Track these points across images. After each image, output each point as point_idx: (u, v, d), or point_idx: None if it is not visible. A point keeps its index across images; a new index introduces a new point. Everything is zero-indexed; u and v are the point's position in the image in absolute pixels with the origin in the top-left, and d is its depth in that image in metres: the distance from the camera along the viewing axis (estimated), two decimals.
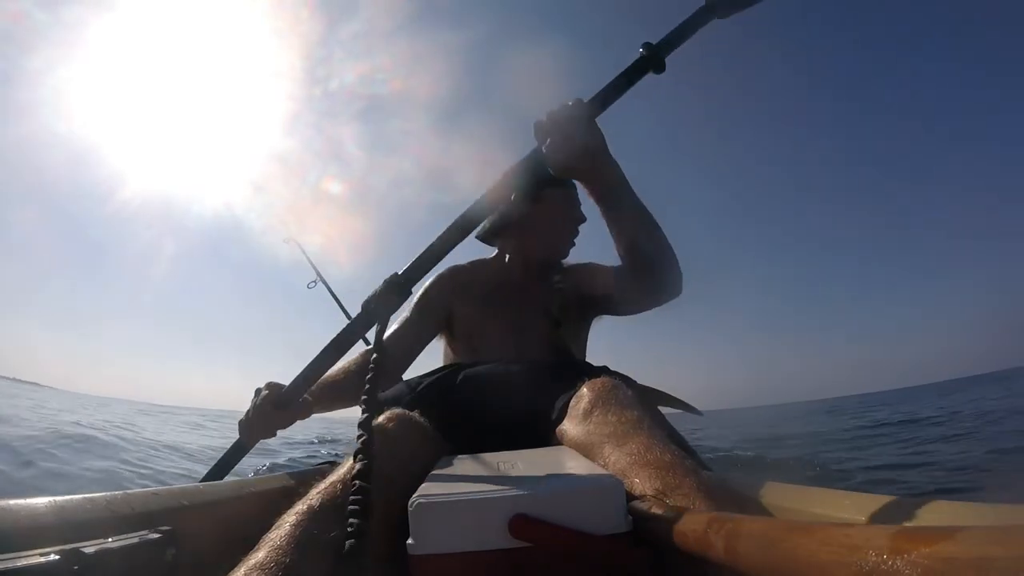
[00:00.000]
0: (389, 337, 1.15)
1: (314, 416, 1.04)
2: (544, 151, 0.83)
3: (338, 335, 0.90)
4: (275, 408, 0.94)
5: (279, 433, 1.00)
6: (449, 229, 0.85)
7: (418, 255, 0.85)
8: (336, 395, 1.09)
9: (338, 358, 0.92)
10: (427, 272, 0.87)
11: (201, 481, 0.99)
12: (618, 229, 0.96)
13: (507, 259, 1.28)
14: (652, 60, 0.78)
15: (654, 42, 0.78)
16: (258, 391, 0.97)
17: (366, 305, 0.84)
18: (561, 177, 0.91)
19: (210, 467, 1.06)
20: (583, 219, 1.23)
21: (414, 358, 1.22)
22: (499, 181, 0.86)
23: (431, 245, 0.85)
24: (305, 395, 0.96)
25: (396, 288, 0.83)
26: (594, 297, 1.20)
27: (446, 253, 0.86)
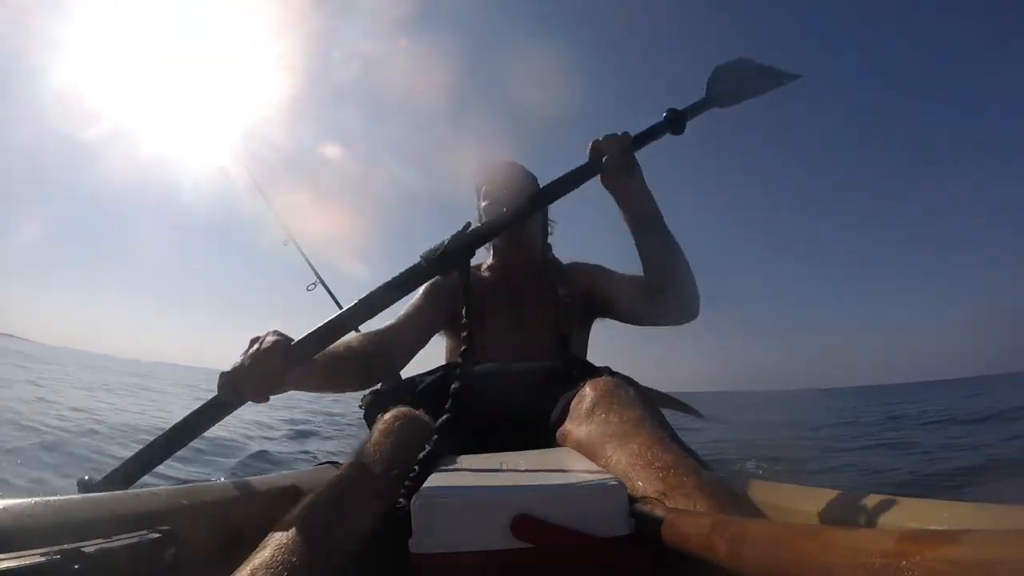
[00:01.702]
0: (397, 324, 1.13)
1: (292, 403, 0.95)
2: (602, 162, 0.99)
3: (368, 296, 0.85)
4: (284, 359, 0.76)
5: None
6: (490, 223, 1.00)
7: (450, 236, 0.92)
8: (333, 372, 0.89)
9: (361, 321, 0.86)
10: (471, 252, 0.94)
11: (150, 444, 0.81)
12: (647, 250, 1.05)
13: (496, 260, 1.29)
14: (672, 124, 1.03)
15: (679, 108, 1.04)
16: (256, 339, 0.78)
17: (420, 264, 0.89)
18: (609, 187, 1.03)
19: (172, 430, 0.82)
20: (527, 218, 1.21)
21: (421, 347, 1.19)
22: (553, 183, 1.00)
23: (477, 229, 0.94)
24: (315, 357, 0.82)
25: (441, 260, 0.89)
26: (599, 302, 1.21)
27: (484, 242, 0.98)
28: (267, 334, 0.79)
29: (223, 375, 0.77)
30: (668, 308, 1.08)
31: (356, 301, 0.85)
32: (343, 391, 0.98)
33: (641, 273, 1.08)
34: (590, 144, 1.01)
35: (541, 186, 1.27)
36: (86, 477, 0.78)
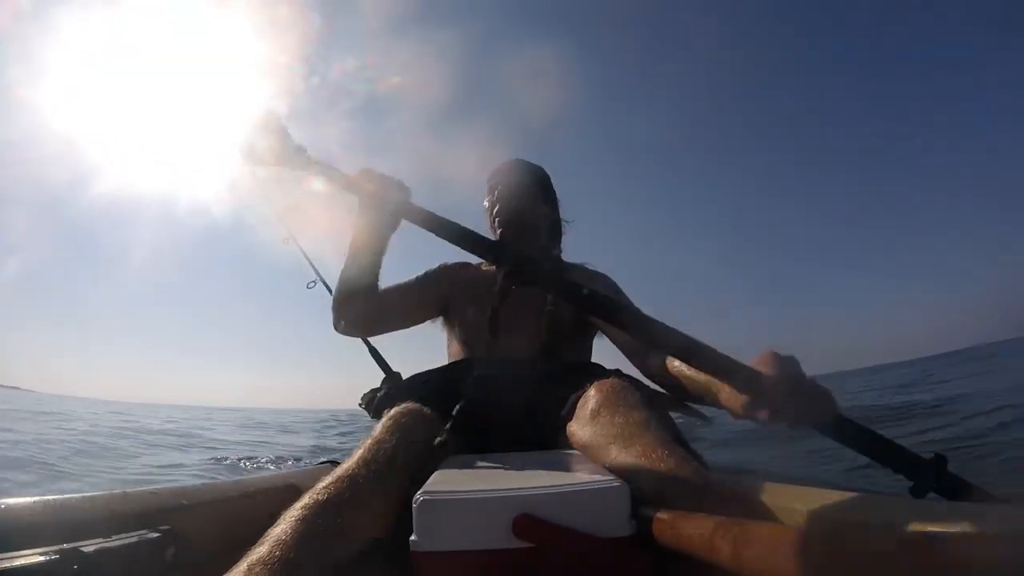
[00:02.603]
0: (390, 290, 1.19)
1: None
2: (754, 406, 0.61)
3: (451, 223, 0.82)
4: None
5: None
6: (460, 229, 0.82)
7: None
8: (366, 275, 1.07)
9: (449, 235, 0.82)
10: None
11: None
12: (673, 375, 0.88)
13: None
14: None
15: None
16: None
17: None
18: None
19: None
20: (543, 222, 1.25)
21: (392, 315, 1.22)
22: None
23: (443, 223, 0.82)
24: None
25: None
26: (590, 322, 1.19)
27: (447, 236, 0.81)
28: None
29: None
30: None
31: (446, 220, 0.82)
32: (348, 296, 1.09)
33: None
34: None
35: (551, 179, 1.31)
36: None
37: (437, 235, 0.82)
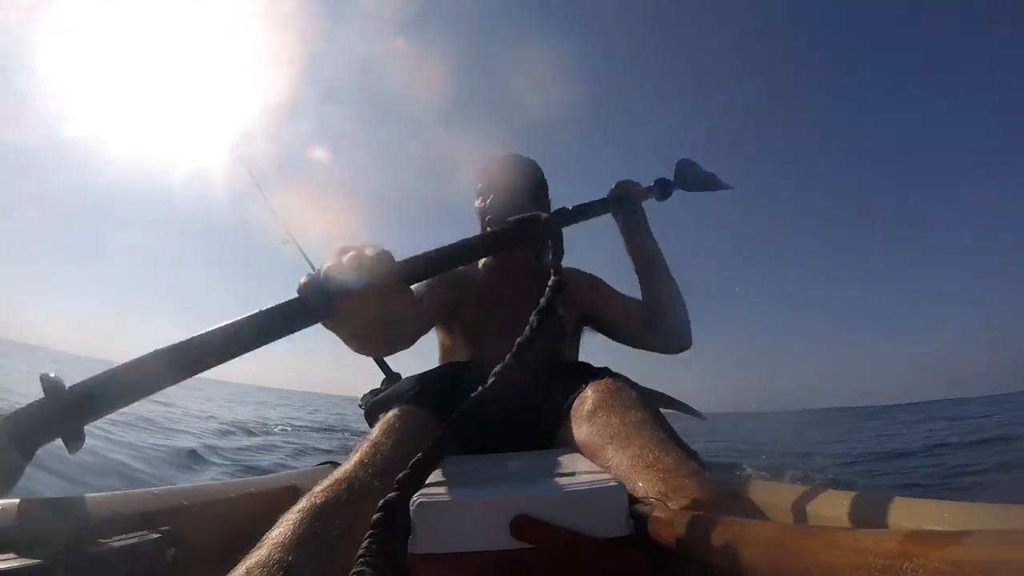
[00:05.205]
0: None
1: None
2: (627, 196, 1.16)
3: (466, 240, 0.71)
4: (396, 272, 0.59)
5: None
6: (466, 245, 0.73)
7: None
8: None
9: (464, 261, 0.74)
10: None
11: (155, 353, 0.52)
12: (650, 279, 1.15)
13: (493, 259, 1.25)
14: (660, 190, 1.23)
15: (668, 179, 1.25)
16: (347, 248, 0.57)
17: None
18: (622, 221, 1.18)
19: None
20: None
21: (421, 334, 1.12)
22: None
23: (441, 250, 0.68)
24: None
25: None
26: (596, 319, 1.21)
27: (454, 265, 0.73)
28: (361, 246, 0.58)
29: (313, 274, 0.56)
30: (663, 335, 1.17)
31: (458, 241, 0.71)
32: (384, 349, 1.07)
33: (637, 297, 1.17)
34: (616, 183, 1.15)
35: (544, 175, 1.27)
36: (51, 374, 0.52)
37: (446, 268, 0.70)
